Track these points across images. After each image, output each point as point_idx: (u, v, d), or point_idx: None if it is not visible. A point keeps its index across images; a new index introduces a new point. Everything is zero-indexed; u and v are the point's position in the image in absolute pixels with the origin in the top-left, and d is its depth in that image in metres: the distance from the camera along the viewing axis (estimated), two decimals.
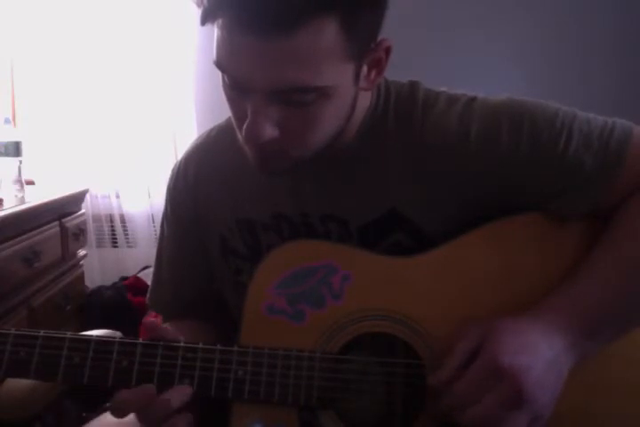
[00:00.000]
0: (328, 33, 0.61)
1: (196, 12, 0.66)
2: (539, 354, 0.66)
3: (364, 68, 0.69)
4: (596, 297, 0.71)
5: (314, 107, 0.66)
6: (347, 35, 0.62)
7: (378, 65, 0.71)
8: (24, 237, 1.70)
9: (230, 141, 0.79)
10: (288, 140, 0.69)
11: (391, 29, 0.70)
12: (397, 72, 0.81)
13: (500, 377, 0.64)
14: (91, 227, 2.53)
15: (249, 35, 0.60)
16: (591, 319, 0.70)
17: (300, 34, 0.60)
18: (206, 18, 0.64)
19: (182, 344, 0.72)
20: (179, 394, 0.68)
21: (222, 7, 0.62)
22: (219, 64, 0.66)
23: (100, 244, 2.63)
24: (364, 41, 0.66)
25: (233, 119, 0.71)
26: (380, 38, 0.69)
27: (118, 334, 1.32)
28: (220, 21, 0.63)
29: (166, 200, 0.94)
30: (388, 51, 0.70)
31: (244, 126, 0.67)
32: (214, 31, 0.65)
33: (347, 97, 0.70)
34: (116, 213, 2.59)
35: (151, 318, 0.73)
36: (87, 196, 2.37)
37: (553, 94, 0.89)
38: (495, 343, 0.66)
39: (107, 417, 0.79)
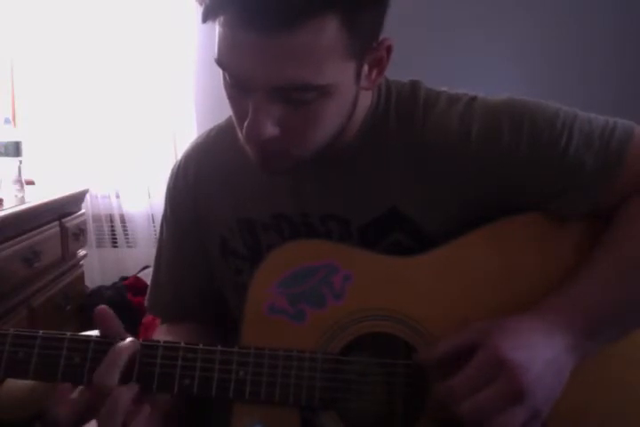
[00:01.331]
0: (329, 31, 0.61)
1: (196, 12, 0.67)
2: (539, 353, 0.66)
3: (365, 68, 0.69)
4: (597, 297, 0.71)
5: (315, 105, 0.66)
6: (348, 33, 0.62)
7: (379, 64, 0.71)
8: (24, 237, 1.70)
9: (230, 141, 0.79)
10: (289, 139, 0.69)
11: (391, 29, 0.70)
12: (398, 71, 0.81)
13: (500, 371, 0.64)
14: (91, 227, 2.53)
15: (250, 32, 0.61)
16: (591, 319, 0.70)
17: (302, 31, 0.60)
18: (208, 15, 0.64)
19: (182, 345, 0.72)
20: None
21: (224, 4, 0.62)
22: (220, 62, 0.66)
23: (100, 244, 2.63)
24: (366, 40, 0.66)
25: (234, 118, 0.71)
26: (381, 37, 0.69)
27: None
28: (221, 19, 0.63)
29: (166, 200, 0.93)
30: (389, 50, 0.70)
31: (245, 125, 0.67)
32: (216, 29, 0.65)
33: (348, 96, 0.70)
34: (116, 213, 2.60)
35: (105, 309, 0.71)
36: (87, 196, 2.37)
37: (553, 94, 0.89)
38: (497, 339, 0.66)
39: None
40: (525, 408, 0.64)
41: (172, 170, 0.93)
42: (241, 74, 0.65)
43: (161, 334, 0.90)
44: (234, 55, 0.64)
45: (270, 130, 0.66)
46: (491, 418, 0.64)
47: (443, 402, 0.67)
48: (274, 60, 0.62)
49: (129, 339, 0.69)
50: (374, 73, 0.71)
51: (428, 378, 0.72)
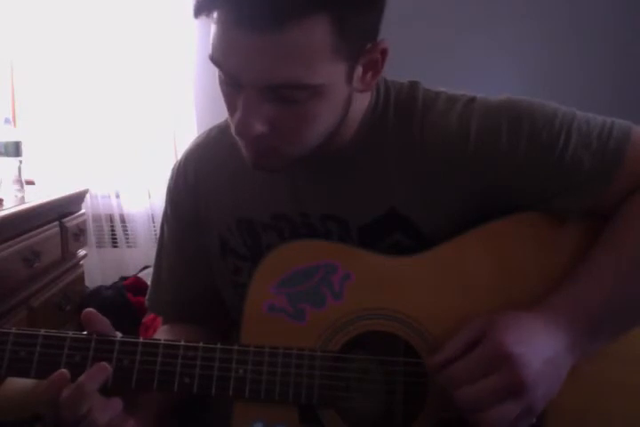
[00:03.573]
0: (319, 31, 0.61)
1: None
2: (540, 350, 0.67)
3: (359, 70, 0.69)
4: (598, 297, 0.71)
5: (305, 105, 0.67)
6: (339, 34, 0.62)
7: (374, 67, 0.71)
8: (24, 237, 1.70)
9: (230, 141, 0.79)
10: (279, 137, 0.69)
11: (391, 29, 0.70)
12: (397, 72, 0.81)
13: (502, 364, 0.65)
14: (91, 227, 2.53)
15: (241, 30, 0.61)
16: (592, 319, 0.70)
17: (291, 31, 0.60)
18: (200, 10, 0.65)
19: (183, 343, 0.72)
20: (93, 374, 0.67)
21: (217, 1, 0.63)
22: (212, 58, 0.66)
23: (99, 244, 2.63)
24: (358, 42, 0.66)
25: (228, 114, 0.72)
26: (378, 40, 0.69)
27: (118, 334, 1.32)
28: (215, 15, 0.64)
29: (166, 200, 0.94)
30: (384, 53, 0.70)
31: (235, 121, 0.67)
32: (211, 26, 0.65)
33: (339, 97, 0.70)
34: (115, 213, 2.59)
35: (92, 310, 0.72)
36: (87, 196, 2.37)
37: (553, 94, 0.89)
38: (499, 332, 0.67)
39: None
40: (521, 403, 0.65)
41: (173, 170, 0.94)
42: (232, 71, 0.65)
43: (162, 334, 0.90)
44: (225, 52, 0.65)
45: (259, 127, 0.67)
46: (486, 408, 0.64)
47: (442, 387, 0.67)
48: (263, 59, 0.62)
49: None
50: (369, 75, 0.71)
51: (427, 376, 0.73)
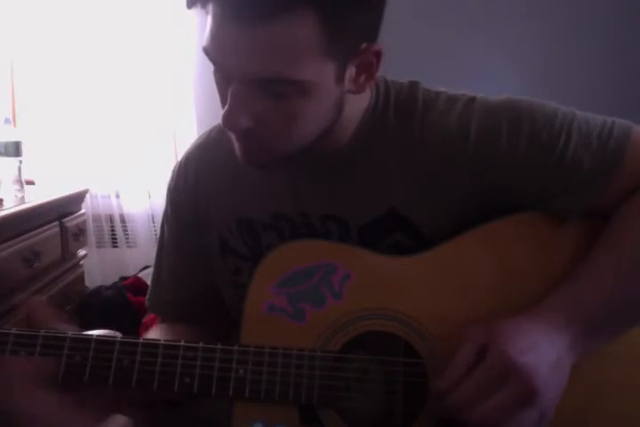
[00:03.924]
0: (305, 27, 0.61)
1: (195, 12, 0.67)
2: (543, 354, 0.66)
3: (352, 71, 0.69)
4: (597, 297, 0.71)
5: (292, 102, 0.67)
6: (327, 33, 0.62)
7: (368, 69, 0.70)
8: (24, 237, 1.70)
9: (230, 142, 0.79)
10: (267, 134, 0.69)
11: (391, 29, 0.70)
12: (397, 72, 0.81)
13: (509, 376, 0.64)
14: (91, 227, 2.53)
15: (228, 23, 0.62)
16: (592, 319, 0.70)
17: (277, 25, 0.60)
18: (193, 1, 0.65)
19: (183, 343, 0.72)
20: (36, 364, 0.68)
21: None
22: (205, 49, 0.67)
23: (100, 244, 2.63)
24: (351, 41, 0.66)
25: (221, 105, 0.72)
26: (375, 41, 0.68)
27: (118, 334, 1.31)
28: (209, 8, 0.64)
29: (167, 201, 0.94)
30: (378, 55, 0.69)
31: (222, 113, 0.67)
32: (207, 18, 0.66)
33: (328, 96, 0.69)
34: (115, 213, 2.60)
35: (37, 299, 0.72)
36: (87, 196, 2.37)
37: (552, 94, 0.89)
38: (502, 344, 0.66)
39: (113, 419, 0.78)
40: (535, 410, 0.65)
41: (173, 170, 0.94)
42: (220, 63, 0.66)
43: (159, 332, 0.90)
44: (215, 45, 0.65)
45: (245, 121, 0.67)
46: (504, 423, 0.64)
47: (452, 409, 0.66)
48: (249, 53, 0.63)
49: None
50: (362, 78, 0.71)
51: (427, 376, 0.73)
